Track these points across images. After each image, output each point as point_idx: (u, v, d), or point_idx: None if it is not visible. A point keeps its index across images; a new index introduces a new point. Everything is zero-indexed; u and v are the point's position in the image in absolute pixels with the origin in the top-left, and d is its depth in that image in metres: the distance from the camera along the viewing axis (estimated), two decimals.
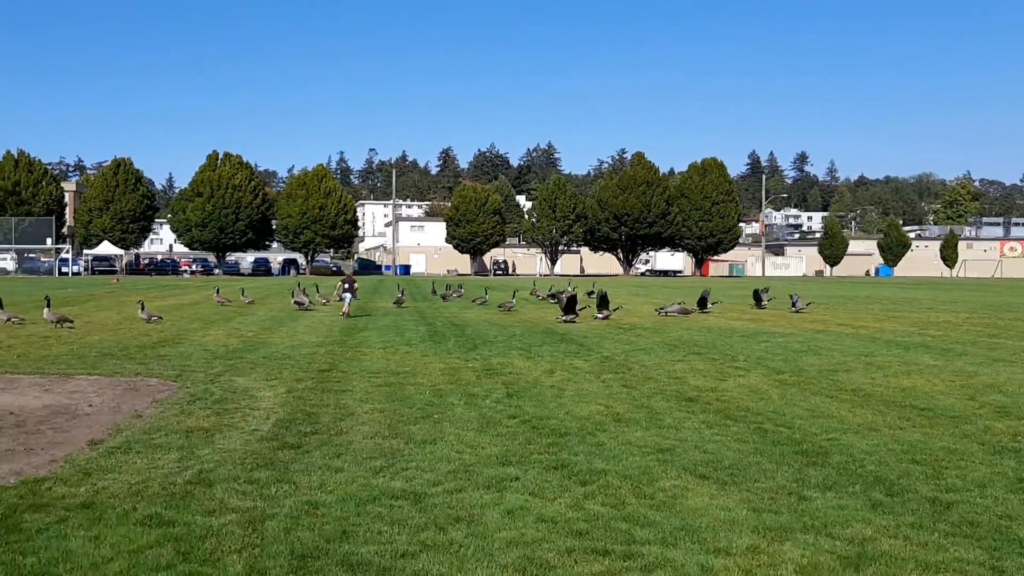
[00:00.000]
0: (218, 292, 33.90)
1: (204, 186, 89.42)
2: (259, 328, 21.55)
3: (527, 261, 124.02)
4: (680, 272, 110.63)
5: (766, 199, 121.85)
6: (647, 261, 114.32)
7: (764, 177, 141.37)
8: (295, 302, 32.14)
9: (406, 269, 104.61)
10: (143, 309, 23.64)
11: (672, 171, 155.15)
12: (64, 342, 17.62)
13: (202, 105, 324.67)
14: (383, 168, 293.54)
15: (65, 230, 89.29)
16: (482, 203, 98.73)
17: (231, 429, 9.17)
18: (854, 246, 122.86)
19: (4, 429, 9.14)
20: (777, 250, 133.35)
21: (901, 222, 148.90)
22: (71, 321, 21.08)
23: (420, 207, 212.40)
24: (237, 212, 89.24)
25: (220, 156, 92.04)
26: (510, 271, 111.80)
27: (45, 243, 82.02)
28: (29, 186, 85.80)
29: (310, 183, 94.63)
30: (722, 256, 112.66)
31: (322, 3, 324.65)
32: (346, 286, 27.03)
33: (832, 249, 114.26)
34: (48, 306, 21.38)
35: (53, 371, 13.30)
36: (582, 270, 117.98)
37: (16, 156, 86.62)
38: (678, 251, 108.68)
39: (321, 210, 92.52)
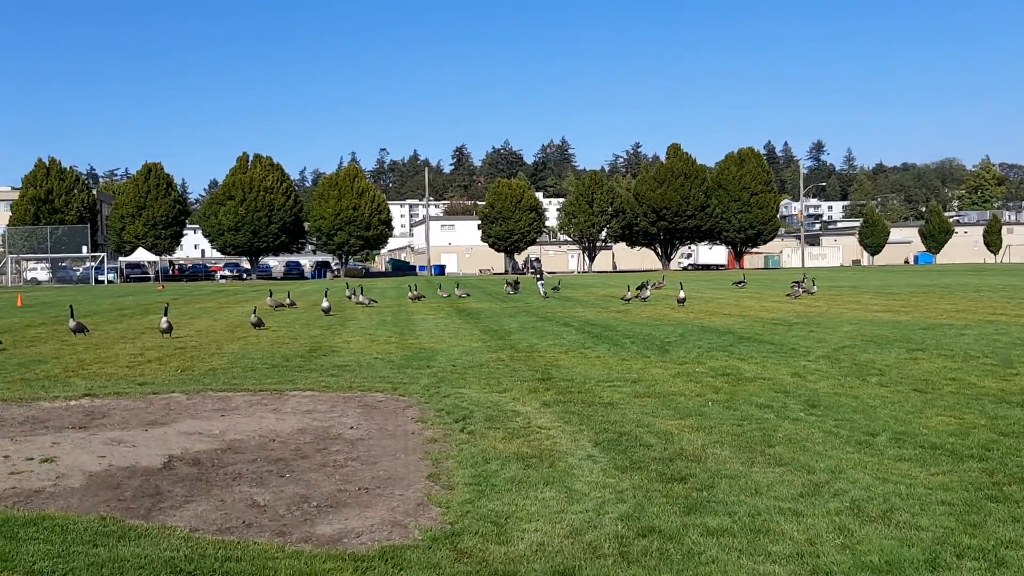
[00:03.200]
0: (271, 295, 32.39)
1: (236, 189, 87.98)
2: (394, 333, 20.06)
3: (558, 259, 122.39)
4: (723, 265, 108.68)
5: (804, 188, 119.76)
6: (689, 255, 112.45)
7: (802, 165, 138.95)
8: (357, 302, 30.82)
9: (441, 269, 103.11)
10: (255, 312, 22.26)
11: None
12: (213, 353, 16.16)
13: (211, 108, 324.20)
14: (395, 168, 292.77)
15: (98, 237, 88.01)
16: (517, 200, 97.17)
17: (562, 455, 7.67)
18: (892, 234, 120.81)
19: (292, 461, 7.66)
20: (812, 240, 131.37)
21: (933, 208, 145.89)
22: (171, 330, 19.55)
23: (437, 207, 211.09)
24: (270, 215, 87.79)
25: (251, 158, 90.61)
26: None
27: (80, 251, 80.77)
28: (61, 194, 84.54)
29: (342, 183, 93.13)
30: (757, 248, 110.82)
31: (331, 1, 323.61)
32: (538, 277, 36.25)
33: (873, 238, 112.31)
34: (165, 314, 19.93)
35: (246, 387, 11.81)
36: (614, 266, 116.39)
37: (47, 164, 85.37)
38: (716, 244, 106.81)
39: (355, 211, 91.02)
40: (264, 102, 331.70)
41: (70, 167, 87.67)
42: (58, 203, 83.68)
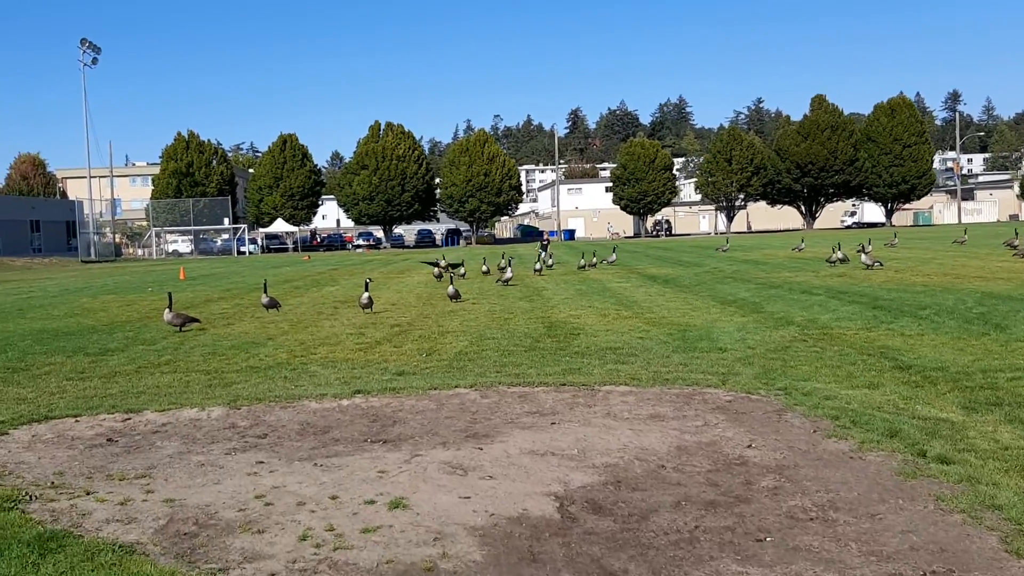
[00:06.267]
0: (439, 262, 30.41)
1: (369, 158, 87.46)
2: (619, 306, 17.67)
3: (689, 220, 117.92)
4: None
5: (960, 140, 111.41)
6: (853, 213, 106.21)
7: (957, 116, 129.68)
8: (535, 270, 28.50)
9: (571, 234, 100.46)
10: (452, 282, 20.26)
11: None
12: (441, 332, 14.08)
13: (330, 79, 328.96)
14: (510, 134, 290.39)
15: (237, 209, 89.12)
16: (651, 159, 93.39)
17: None
18: None
19: (733, 507, 5.27)
20: (965, 194, 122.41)
21: None
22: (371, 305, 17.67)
23: (554, 171, 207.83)
24: (403, 183, 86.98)
25: (382, 126, 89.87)
26: (672, 231, 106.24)
27: (222, 223, 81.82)
28: (201, 166, 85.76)
29: (472, 149, 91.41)
30: (908, 204, 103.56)
31: None
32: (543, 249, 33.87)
33: None
34: (366, 289, 18.03)
35: (536, 379, 9.53)
36: (749, 227, 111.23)
37: (187, 137, 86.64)
38: (864, 200, 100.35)
39: (486, 176, 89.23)
40: (379, 73, 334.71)
41: (208, 140, 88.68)
42: (198, 176, 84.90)
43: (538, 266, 28.73)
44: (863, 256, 25.83)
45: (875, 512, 5.15)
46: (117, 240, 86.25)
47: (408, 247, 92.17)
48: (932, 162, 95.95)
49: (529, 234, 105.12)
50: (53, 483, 6.21)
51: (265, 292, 18.86)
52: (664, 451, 6.63)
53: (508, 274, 24.32)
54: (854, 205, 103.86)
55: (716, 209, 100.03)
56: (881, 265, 25.49)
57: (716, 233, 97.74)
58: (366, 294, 17.64)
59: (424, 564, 4.51)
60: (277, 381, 10.07)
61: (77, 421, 8.22)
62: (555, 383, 9.27)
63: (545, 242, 38.10)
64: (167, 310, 15.58)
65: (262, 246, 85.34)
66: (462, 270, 27.13)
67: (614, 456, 6.51)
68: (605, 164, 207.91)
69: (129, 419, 8.26)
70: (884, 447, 6.47)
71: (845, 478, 5.81)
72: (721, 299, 18.20)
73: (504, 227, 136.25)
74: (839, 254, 28.14)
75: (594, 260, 31.54)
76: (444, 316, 16.67)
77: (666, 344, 12.06)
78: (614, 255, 33.76)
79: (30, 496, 5.84)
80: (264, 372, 10.77)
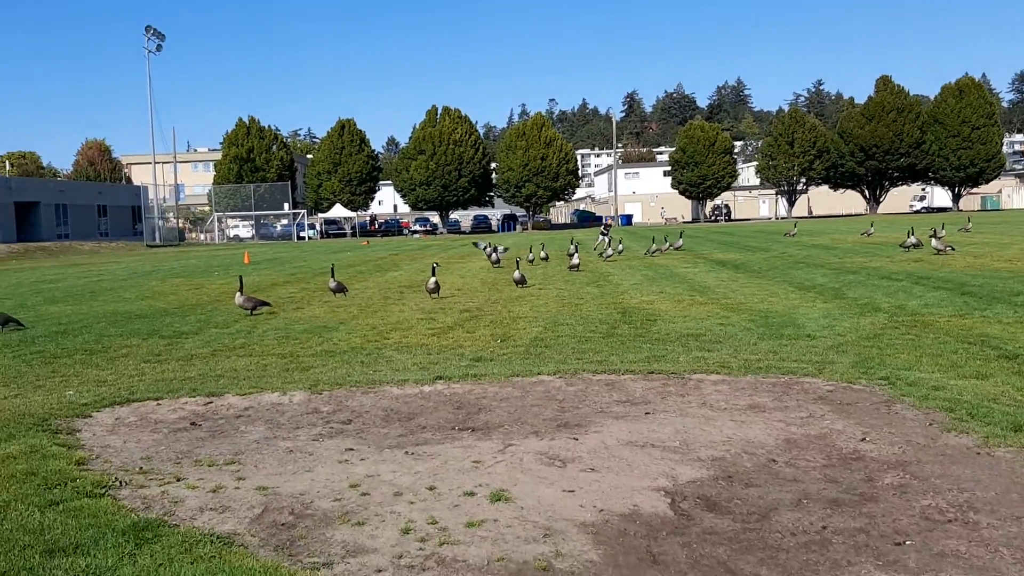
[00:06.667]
0: (493, 249, 30.16)
1: (426, 143, 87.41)
2: (692, 292, 17.21)
3: (748, 205, 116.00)
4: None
5: None
6: (922, 198, 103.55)
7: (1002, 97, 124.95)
8: (605, 256, 28.02)
9: (628, 219, 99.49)
10: (518, 266, 19.95)
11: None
12: (512, 318, 13.80)
13: (385, 64, 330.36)
14: (564, 118, 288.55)
15: (296, 195, 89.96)
16: (711, 142, 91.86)
17: None
18: None
19: (859, 507, 4.89)
20: None
21: None
22: (438, 290, 17.52)
23: (609, 155, 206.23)
24: (459, 168, 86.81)
25: (439, 111, 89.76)
26: (732, 216, 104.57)
27: (282, 208, 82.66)
28: (262, 152, 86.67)
29: (529, 133, 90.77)
30: (976, 188, 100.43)
31: None
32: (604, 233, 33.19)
33: None
34: (433, 274, 17.85)
35: (620, 367, 9.19)
36: (810, 211, 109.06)
37: (247, 123, 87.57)
38: (931, 184, 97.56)
39: (543, 160, 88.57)
40: (433, 58, 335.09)
41: (268, 126, 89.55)
42: (259, 161, 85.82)
43: (609, 251, 28.27)
44: (934, 241, 25.19)
45: (1020, 514, 4.74)
46: (180, 225, 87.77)
47: (464, 232, 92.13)
48: (1001, 145, 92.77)
49: (585, 219, 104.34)
50: (141, 468, 6.09)
51: (332, 276, 18.84)
52: (772, 444, 6.26)
53: (575, 260, 23.97)
54: (923, 189, 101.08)
55: (776, 193, 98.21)
56: (953, 250, 24.79)
57: (777, 218, 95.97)
58: (433, 279, 17.46)
59: (538, 563, 4.24)
60: (355, 366, 9.90)
61: (159, 404, 8.14)
62: (641, 371, 8.94)
63: (606, 228, 37.88)
64: (238, 293, 15.59)
65: (321, 231, 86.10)
66: (521, 255, 27.00)
67: (719, 449, 6.17)
68: (662, 148, 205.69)
69: (211, 402, 8.15)
70: (1011, 442, 6.02)
71: (977, 476, 5.39)
72: (798, 284, 17.64)
73: (560, 212, 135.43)
74: (913, 239, 27.26)
75: (665, 245, 30.93)
76: (512, 301, 16.40)
77: (750, 331, 11.62)
78: (680, 240, 33.01)
79: (120, 482, 5.72)
80: (340, 356, 10.62)
